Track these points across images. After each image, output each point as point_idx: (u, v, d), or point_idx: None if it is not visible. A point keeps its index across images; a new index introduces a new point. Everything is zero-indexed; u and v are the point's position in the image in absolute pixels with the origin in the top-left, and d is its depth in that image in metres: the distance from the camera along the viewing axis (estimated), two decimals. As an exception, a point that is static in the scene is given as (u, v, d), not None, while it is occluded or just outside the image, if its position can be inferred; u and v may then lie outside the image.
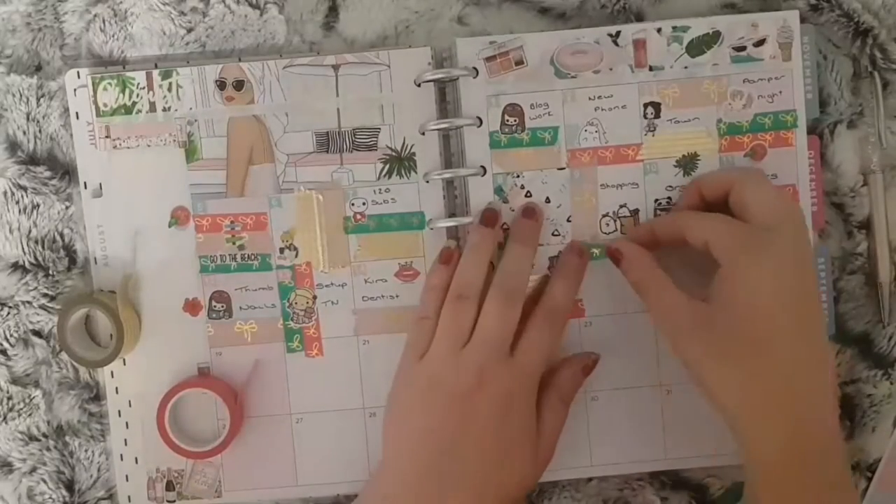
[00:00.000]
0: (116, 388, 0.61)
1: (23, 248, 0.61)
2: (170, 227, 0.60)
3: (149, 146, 0.60)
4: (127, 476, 0.61)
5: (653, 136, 0.59)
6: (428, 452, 0.54)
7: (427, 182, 0.60)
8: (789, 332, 0.50)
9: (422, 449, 0.54)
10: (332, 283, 0.60)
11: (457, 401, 0.54)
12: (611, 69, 0.59)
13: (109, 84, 0.59)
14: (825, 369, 0.52)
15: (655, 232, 0.57)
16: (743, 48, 0.59)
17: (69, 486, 0.62)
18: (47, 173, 0.61)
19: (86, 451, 0.62)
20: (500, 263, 0.57)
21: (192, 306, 0.60)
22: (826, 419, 0.51)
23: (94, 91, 0.59)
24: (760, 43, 0.59)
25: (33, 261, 0.61)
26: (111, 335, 0.59)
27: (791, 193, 0.59)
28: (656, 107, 0.59)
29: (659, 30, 0.59)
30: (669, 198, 0.59)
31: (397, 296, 0.60)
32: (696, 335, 0.52)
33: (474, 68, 0.58)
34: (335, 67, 0.59)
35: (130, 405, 0.61)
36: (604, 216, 0.59)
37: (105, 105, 0.60)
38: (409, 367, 0.56)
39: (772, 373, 0.50)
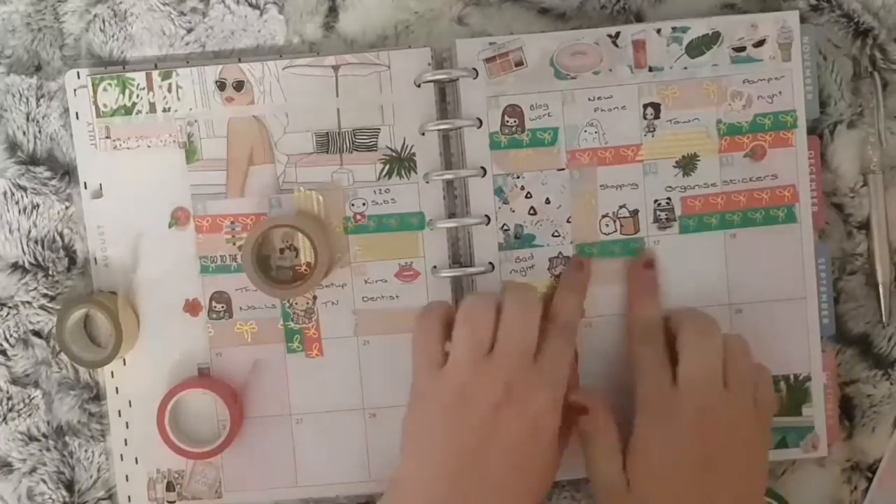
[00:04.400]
0: (116, 389, 0.61)
1: (22, 249, 0.61)
2: (170, 227, 0.60)
3: (149, 147, 0.60)
4: (127, 476, 0.61)
5: (652, 136, 0.59)
6: (454, 466, 0.52)
7: (427, 183, 0.59)
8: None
9: (447, 463, 0.52)
10: (332, 284, 0.60)
11: (486, 415, 0.52)
12: (610, 70, 0.59)
13: (109, 84, 0.59)
14: None
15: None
16: (743, 49, 0.59)
17: (69, 486, 0.62)
18: (47, 174, 0.61)
19: (86, 451, 0.62)
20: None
21: (192, 307, 0.60)
22: None
23: (94, 91, 0.59)
24: (760, 43, 0.59)
25: (33, 261, 0.61)
26: (110, 335, 0.59)
27: (791, 193, 0.59)
28: (656, 107, 0.59)
29: (658, 30, 0.59)
30: (669, 198, 0.59)
31: (397, 296, 0.60)
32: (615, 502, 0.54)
33: (474, 69, 0.58)
34: (335, 68, 0.59)
35: (130, 405, 0.61)
36: (603, 217, 0.59)
37: (105, 105, 0.60)
38: (428, 377, 0.54)
39: None
